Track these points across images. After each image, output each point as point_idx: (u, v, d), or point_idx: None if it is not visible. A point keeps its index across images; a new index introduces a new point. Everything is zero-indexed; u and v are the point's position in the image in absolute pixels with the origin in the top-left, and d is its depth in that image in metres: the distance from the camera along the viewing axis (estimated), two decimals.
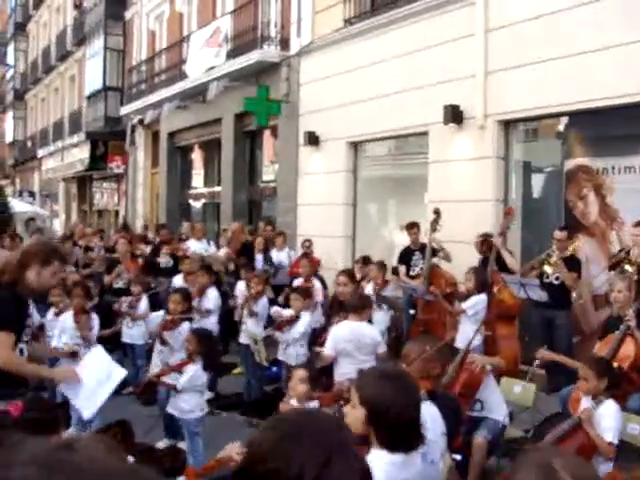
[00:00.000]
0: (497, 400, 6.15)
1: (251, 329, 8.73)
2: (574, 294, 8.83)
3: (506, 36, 10.05)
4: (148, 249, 14.13)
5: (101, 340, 8.60)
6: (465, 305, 8.28)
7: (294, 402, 5.20)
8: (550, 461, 1.56)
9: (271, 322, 8.76)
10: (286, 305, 8.93)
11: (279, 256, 12.53)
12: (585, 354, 7.20)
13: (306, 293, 8.45)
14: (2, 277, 4.58)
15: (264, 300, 9.16)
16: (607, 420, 5.01)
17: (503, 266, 9.23)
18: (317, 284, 10.15)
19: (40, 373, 5.19)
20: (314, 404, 5.10)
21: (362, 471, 1.61)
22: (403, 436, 2.94)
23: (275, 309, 8.74)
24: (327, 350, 6.69)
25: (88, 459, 1.01)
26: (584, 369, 5.28)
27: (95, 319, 7.91)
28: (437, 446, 3.64)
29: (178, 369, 6.56)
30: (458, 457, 4.93)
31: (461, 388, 5.94)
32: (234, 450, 3.81)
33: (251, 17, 15.85)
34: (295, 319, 8.06)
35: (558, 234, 8.76)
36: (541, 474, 1.54)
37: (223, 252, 12.87)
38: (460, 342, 8.10)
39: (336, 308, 8.28)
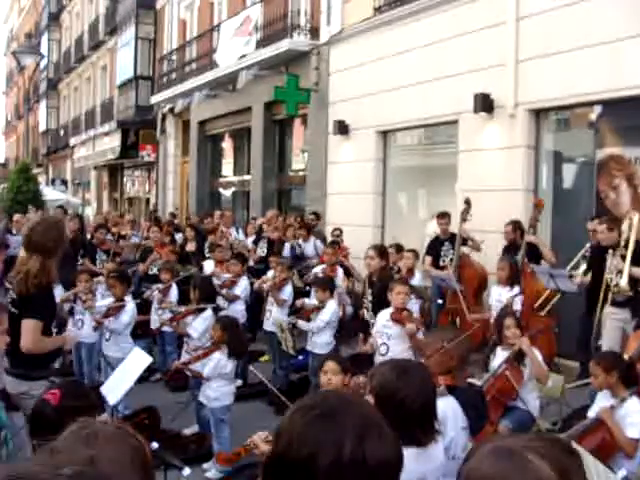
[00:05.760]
0: (528, 391, 6.11)
1: (276, 316, 8.75)
2: None
3: (537, 24, 9.91)
4: (178, 237, 14.22)
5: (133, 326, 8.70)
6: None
7: None
8: (503, 443, 1.47)
9: (296, 310, 8.77)
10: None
11: (306, 247, 12.46)
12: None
13: (326, 283, 8.41)
14: (41, 280, 4.83)
15: (289, 287, 9.18)
16: (633, 416, 4.94)
17: (530, 257, 9.14)
18: (340, 272, 10.12)
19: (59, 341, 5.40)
20: None
21: (396, 445, 1.60)
22: (412, 428, 2.92)
23: (300, 300, 8.74)
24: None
25: None
26: (592, 366, 5.24)
27: (126, 311, 7.89)
28: (459, 441, 3.62)
29: (204, 357, 6.59)
30: None
31: (497, 393, 5.91)
32: (261, 438, 3.83)
33: (281, 6, 15.80)
34: (319, 309, 8.05)
35: (589, 224, 8.68)
36: (496, 455, 1.44)
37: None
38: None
39: (367, 283, 8.30)
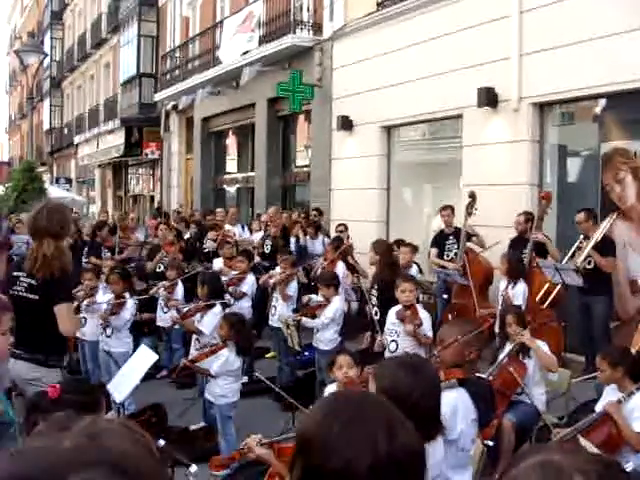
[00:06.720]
0: (534, 385, 6.10)
1: (282, 312, 8.74)
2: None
3: (541, 17, 9.88)
4: (187, 233, 14.22)
5: (139, 323, 8.70)
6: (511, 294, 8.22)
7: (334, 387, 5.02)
8: (553, 458, 1.31)
9: (302, 307, 8.75)
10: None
11: (314, 244, 12.45)
12: (622, 340, 7.09)
13: (330, 279, 8.36)
14: (61, 262, 4.86)
15: (294, 283, 9.17)
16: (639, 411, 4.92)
17: (538, 252, 9.12)
18: (341, 268, 10.08)
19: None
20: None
21: (417, 434, 1.61)
22: (421, 426, 2.91)
23: (307, 296, 8.71)
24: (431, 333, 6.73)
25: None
26: (599, 360, 5.22)
27: (127, 308, 7.95)
28: (468, 433, 3.60)
29: (212, 354, 6.57)
30: (490, 443, 4.89)
31: (499, 386, 5.90)
32: (255, 441, 3.81)
33: (283, 1, 15.79)
34: (325, 305, 8.02)
35: (576, 217, 8.74)
36: (543, 472, 1.29)
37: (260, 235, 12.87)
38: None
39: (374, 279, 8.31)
